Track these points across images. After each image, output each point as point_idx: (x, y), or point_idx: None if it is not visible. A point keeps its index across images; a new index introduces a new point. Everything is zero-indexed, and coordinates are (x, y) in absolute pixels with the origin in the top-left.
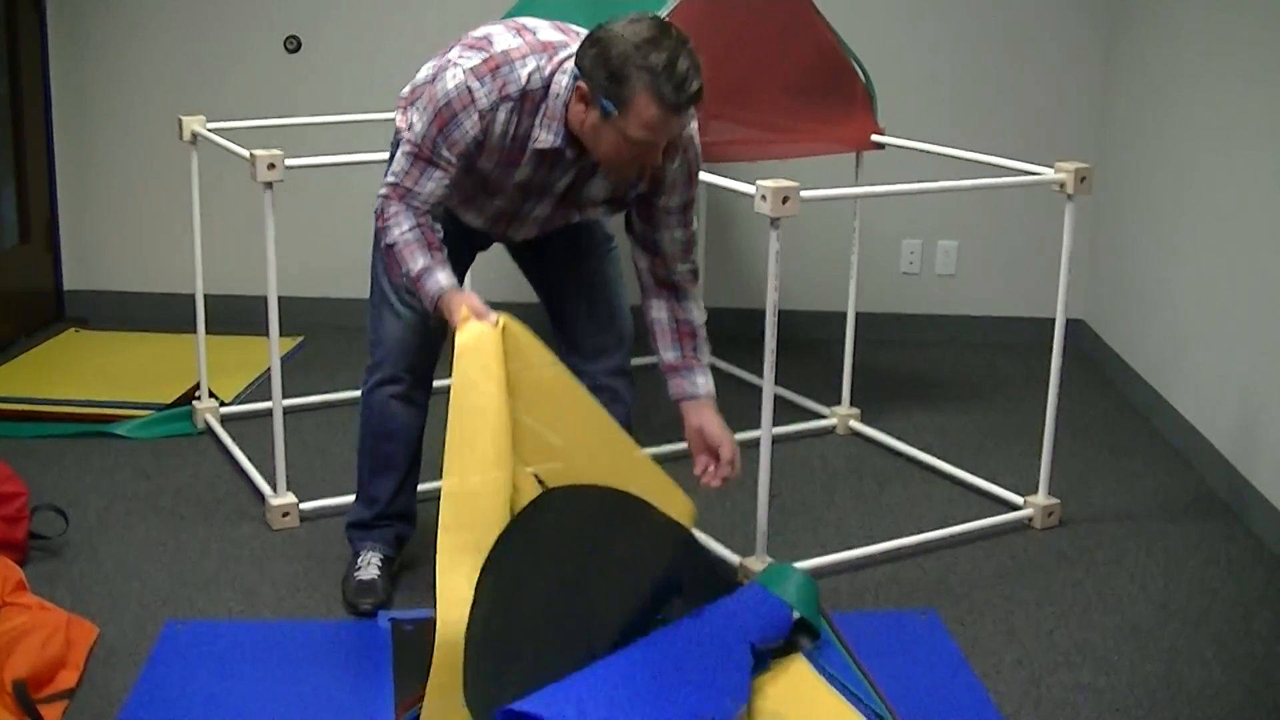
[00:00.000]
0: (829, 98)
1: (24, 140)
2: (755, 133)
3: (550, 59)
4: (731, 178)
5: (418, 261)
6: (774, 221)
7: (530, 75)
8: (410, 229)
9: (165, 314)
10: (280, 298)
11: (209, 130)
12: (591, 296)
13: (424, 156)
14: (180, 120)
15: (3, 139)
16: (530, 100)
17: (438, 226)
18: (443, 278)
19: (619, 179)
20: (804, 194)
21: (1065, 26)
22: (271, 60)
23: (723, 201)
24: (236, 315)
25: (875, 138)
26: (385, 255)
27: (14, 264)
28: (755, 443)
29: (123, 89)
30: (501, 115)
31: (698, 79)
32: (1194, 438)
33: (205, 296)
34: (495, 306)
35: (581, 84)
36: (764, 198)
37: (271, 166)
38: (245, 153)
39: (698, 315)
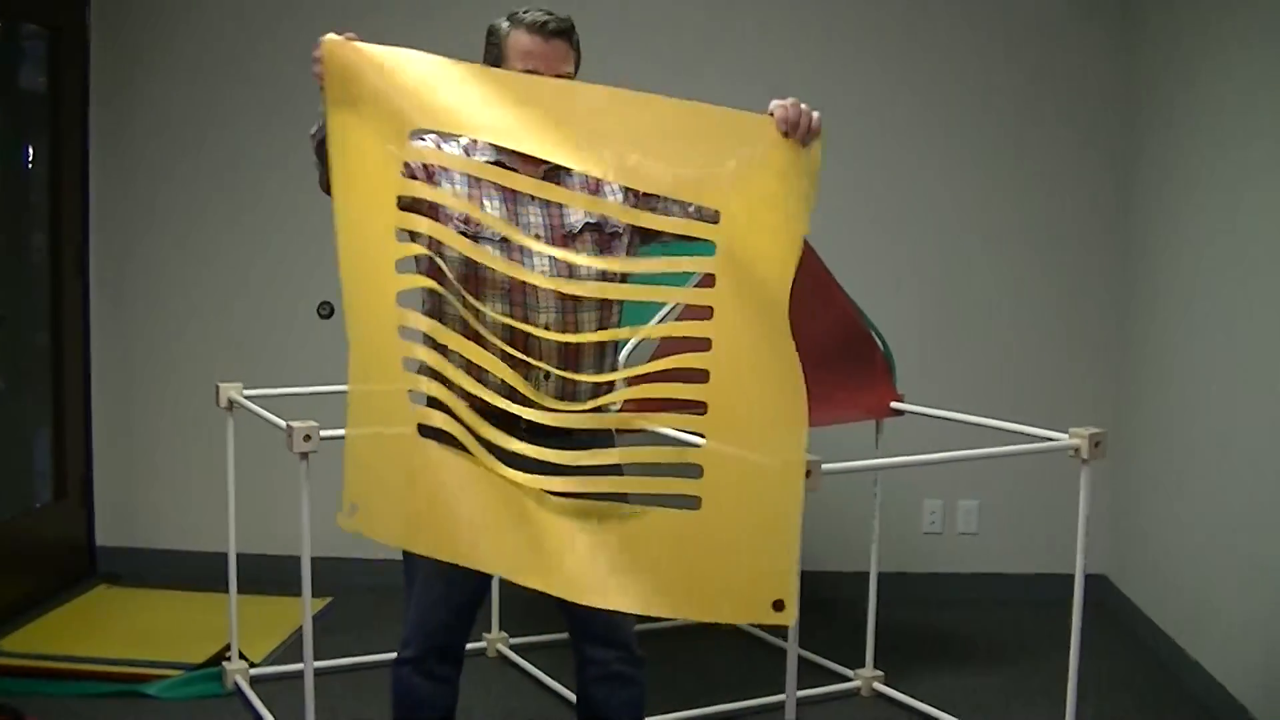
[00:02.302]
0: (850, 367)
1: (63, 398)
2: None
3: None
4: None
5: None
6: None
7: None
8: None
9: (196, 572)
10: (312, 557)
11: (245, 397)
12: None
13: None
14: (218, 387)
15: (42, 395)
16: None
17: None
18: None
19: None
20: (826, 466)
21: (1080, 293)
22: (305, 326)
23: None
24: (267, 574)
25: (895, 405)
26: (319, 161)
27: (48, 519)
28: (780, 706)
29: (161, 351)
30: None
31: (558, 17)
32: (1220, 694)
33: (237, 555)
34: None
35: None
36: None
37: (307, 438)
38: (282, 423)
39: None
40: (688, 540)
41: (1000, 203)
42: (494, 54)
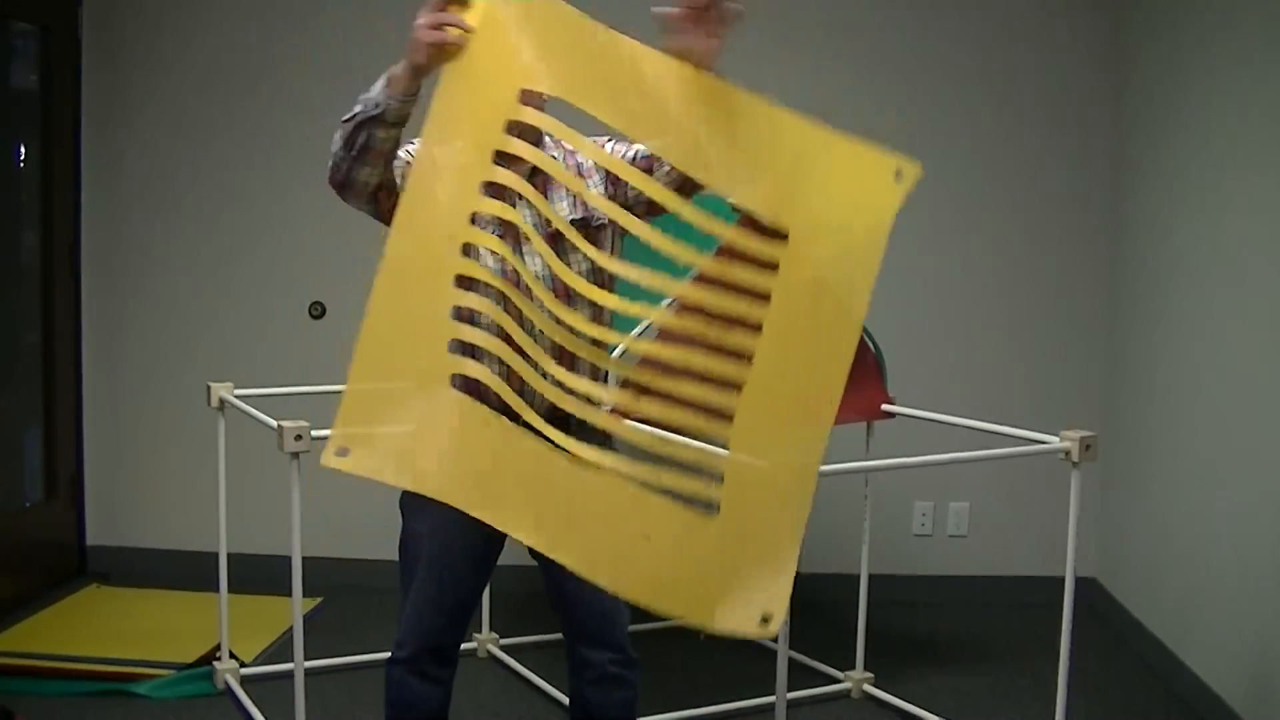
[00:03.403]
0: None
1: (54, 397)
2: None
3: None
4: None
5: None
6: None
7: None
8: None
9: (187, 571)
10: (302, 557)
11: (236, 397)
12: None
13: None
14: (209, 387)
15: (33, 395)
16: None
17: None
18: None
19: None
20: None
21: (1070, 296)
22: (297, 326)
23: None
24: (257, 574)
25: (885, 407)
26: (346, 146)
27: (38, 519)
28: (770, 708)
29: (153, 351)
30: None
31: None
32: (1207, 696)
33: (228, 555)
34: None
35: None
36: None
37: (299, 438)
38: (273, 423)
39: None
40: (699, 542)
41: (990, 205)
42: None
